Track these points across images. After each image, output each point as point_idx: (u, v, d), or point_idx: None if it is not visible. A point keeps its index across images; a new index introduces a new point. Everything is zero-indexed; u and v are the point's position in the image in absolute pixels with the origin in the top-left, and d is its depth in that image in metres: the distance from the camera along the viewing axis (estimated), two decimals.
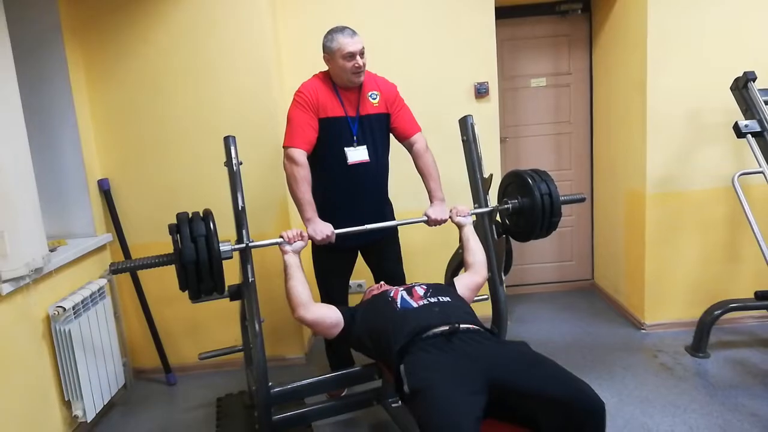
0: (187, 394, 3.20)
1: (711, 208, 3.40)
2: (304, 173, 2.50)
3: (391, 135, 2.77)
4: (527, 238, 2.63)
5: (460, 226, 2.57)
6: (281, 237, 2.30)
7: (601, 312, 3.95)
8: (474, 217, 2.64)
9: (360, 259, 2.93)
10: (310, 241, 2.42)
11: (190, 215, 2.12)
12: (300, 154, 2.50)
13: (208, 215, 2.13)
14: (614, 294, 4.03)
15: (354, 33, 2.53)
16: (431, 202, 2.71)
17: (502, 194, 2.74)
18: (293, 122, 2.55)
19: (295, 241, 2.30)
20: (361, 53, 2.53)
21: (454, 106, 3.37)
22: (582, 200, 2.74)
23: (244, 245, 2.26)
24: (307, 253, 2.79)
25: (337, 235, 2.46)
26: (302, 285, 2.21)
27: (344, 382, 2.72)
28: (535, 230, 2.54)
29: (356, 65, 2.52)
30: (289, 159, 2.52)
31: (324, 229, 2.43)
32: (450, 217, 2.59)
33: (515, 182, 2.64)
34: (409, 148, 2.75)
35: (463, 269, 2.58)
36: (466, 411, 1.61)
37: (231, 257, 2.17)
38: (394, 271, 2.88)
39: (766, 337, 3.28)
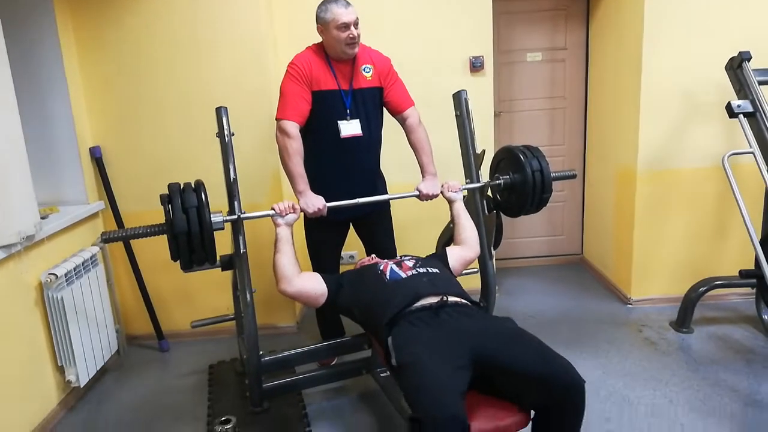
0: (180, 361, 3.25)
1: (700, 186, 3.43)
2: (296, 146, 2.50)
3: (384, 109, 2.76)
4: (518, 214, 2.65)
5: (450, 202, 2.59)
6: (273, 209, 2.31)
7: (589, 286, 4.01)
8: (465, 193, 2.65)
9: (352, 231, 2.95)
10: (302, 214, 2.44)
11: (182, 186, 2.12)
12: (292, 127, 2.50)
13: (200, 186, 2.13)
14: (602, 269, 4.08)
15: (348, 3, 2.50)
16: (423, 176, 2.71)
17: (494, 170, 2.75)
18: (286, 94, 2.54)
19: (287, 214, 2.31)
20: (356, 24, 2.50)
21: (449, 80, 3.37)
22: (573, 177, 2.75)
23: (235, 216, 2.27)
24: (300, 226, 2.81)
25: (329, 208, 2.47)
26: (288, 259, 2.23)
27: (334, 351, 2.77)
28: (525, 206, 2.56)
29: (350, 36, 2.49)
30: (281, 131, 2.51)
31: (316, 202, 2.44)
32: (441, 192, 2.60)
33: (507, 158, 2.65)
34: (402, 122, 2.74)
35: (453, 244, 2.60)
36: (451, 386, 1.66)
37: (223, 228, 2.19)
38: (386, 245, 2.91)
39: (749, 314, 3.34)
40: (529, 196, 2.50)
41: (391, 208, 2.94)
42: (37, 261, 2.60)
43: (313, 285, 2.26)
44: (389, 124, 2.79)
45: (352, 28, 2.49)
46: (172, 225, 2.03)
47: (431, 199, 2.62)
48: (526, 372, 1.73)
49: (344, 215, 2.73)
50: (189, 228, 2.03)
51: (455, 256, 2.45)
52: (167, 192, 2.09)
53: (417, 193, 2.60)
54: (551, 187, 2.53)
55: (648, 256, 3.54)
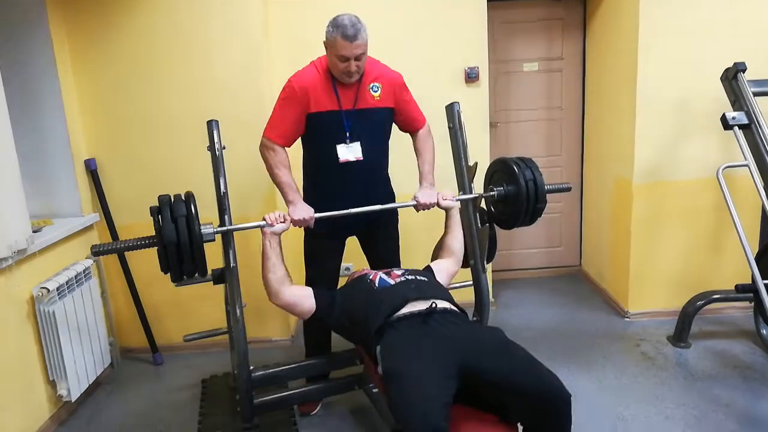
0: (173, 375, 3.23)
1: (697, 198, 3.40)
2: (280, 157, 2.46)
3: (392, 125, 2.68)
4: (512, 225, 2.60)
5: (447, 209, 2.56)
6: (264, 220, 2.29)
7: (586, 298, 3.98)
8: (459, 204, 2.63)
9: (350, 244, 2.89)
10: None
11: (172, 197, 2.11)
12: (275, 143, 2.47)
13: (189, 197, 2.11)
14: (600, 281, 4.05)
15: (356, 35, 2.28)
16: (421, 184, 2.63)
17: (489, 181, 2.73)
18: (274, 114, 2.49)
19: (277, 224, 2.29)
20: (358, 57, 2.33)
21: (444, 91, 3.34)
22: (568, 189, 2.70)
23: (225, 228, 2.25)
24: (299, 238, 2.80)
25: (334, 224, 2.46)
26: (274, 271, 2.22)
27: (327, 366, 2.73)
28: (520, 217, 2.51)
29: (348, 68, 2.34)
30: (264, 146, 2.49)
31: (302, 213, 2.38)
32: (437, 202, 2.55)
33: (501, 169, 2.61)
34: (412, 135, 2.70)
35: (440, 250, 2.59)
36: (436, 396, 1.66)
37: (213, 240, 2.16)
38: (390, 262, 2.78)
39: (747, 328, 3.30)
40: (523, 206, 2.45)
41: (398, 224, 2.87)
42: (29, 274, 2.60)
43: (302, 301, 2.26)
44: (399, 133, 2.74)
45: (352, 61, 2.32)
46: (161, 235, 2.01)
47: (428, 209, 2.56)
48: (513, 384, 1.74)
49: (350, 231, 2.71)
50: (178, 238, 2.01)
51: (441, 268, 2.46)
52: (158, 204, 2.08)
53: (414, 202, 2.54)
54: (545, 197, 2.47)
55: (645, 268, 3.52)
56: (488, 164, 2.80)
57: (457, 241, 2.55)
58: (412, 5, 3.43)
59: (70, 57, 3.10)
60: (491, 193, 2.60)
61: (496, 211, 2.69)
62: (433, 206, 2.57)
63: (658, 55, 3.25)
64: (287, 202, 2.47)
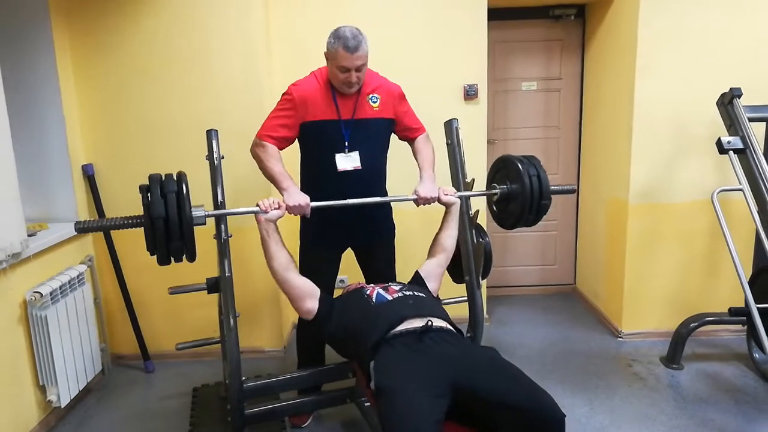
0: (165, 382, 3.21)
1: (692, 220, 3.42)
2: (270, 151, 2.45)
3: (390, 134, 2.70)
4: (515, 223, 2.52)
5: (448, 205, 2.50)
6: (258, 205, 2.23)
7: (580, 317, 3.98)
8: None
9: (345, 258, 2.90)
10: (299, 236, 2.41)
11: (163, 176, 2.04)
12: (266, 143, 2.48)
13: (181, 176, 2.05)
14: (594, 300, 4.06)
15: (357, 47, 2.33)
16: (421, 177, 2.57)
17: (491, 180, 2.65)
18: (269, 118, 2.52)
19: (271, 210, 2.24)
20: (358, 68, 2.37)
21: (443, 107, 3.35)
22: (572, 191, 2.63)
23: (219, 212, 2.22)
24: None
25: (330, 232, 2.47)
26: (276, 257, 2.20)
27: (319, 378, 2.72)
28: (524, 214, 2.44)
29: (348, 79, 2.39)
30: (254, 144, 2.51)
31: (299, 199, 2.33)
32: (438, 197, 2.48)
33: (504, 167, 2.56)
34: (411, 142, 2.71)
35: (432, 246, 2.55)
36: (427, 414, 1.66)
37: (204, 223, 2.10)
38: (385, 275, 2.78)
39: (741, 351, 3.30)
40: (527, 202, 2.40)
41: (395, 238, 2.85)
42: (22, 278, 2.59)
43: (306, 298, 2.23)
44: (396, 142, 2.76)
45: (353, 72, 2.37)
46: (149, 209, 1.94)
47: (429, 204, 2.49)
48: (506, 403, 1.73)
49: (347, 244, 2.71)
50: (167, 213, 1.94)
51: (430, 272, 2.44)
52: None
53: (414, 196, 2.47)
54: (549, 194, 2.42)
55: (639, 289, 3.52)
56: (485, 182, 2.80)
57: (450, 238, 2.51)
58: (413, 22, 3.47)
59: (71, 63, 3.12)
60: (494, 191, 2.55)
61: (499, 210, 2.62)
62: (434, 201, 2.49)
63: (655, 77, 3.28)
64: (281, 189, 2.41)
